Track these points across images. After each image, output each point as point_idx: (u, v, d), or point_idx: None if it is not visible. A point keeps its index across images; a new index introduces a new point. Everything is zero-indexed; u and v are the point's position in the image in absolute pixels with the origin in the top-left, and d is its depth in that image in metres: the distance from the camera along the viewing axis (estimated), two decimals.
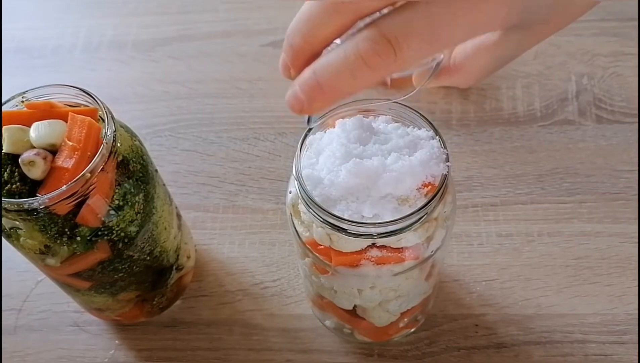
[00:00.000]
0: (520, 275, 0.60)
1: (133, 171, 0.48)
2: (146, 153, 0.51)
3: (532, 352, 0.56)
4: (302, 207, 0.44)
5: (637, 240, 0.61)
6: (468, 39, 0.35)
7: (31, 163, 0.43)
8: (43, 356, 0.59)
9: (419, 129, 0.45)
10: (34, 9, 0.85)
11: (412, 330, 0.57)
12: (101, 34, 0.81)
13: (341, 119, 0.45)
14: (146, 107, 0.74)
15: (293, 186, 0.45)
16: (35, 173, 0.43)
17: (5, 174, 0.44)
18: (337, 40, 0.35)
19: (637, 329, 0.56)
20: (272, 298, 0.61)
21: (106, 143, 0.44)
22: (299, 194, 0.42)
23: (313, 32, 0.34)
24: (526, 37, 0.41)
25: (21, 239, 0.46)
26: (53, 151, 0.44)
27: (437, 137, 0.44)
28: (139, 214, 0.48)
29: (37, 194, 0.43)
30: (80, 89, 0.47)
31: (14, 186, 0.44)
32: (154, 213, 0.50)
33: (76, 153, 0.44)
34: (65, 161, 0.44)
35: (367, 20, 0.34)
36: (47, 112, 0.46)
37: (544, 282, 0.59)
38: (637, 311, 0.57)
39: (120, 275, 0.51)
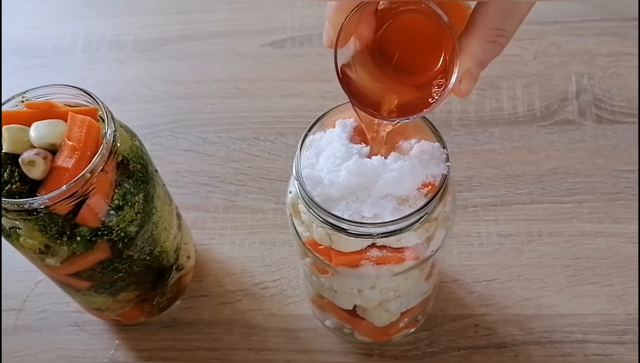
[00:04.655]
0: (520, 275, 0.60)
1: (133, 171, 0.48)
2: (146, 152, 0.51)
3: (532, 352, 0.56)
4: (302, 207, 0.44)
5: (637, 240, 0.61)
6: None
7: (31, 162, 0.43)
8: (43, 356, 0.59)
9: None
10: (34, 9, 0.85)
11: (412, 330, 0.57)
12: (101, 34, 0.81)
13: (341, 120, 0.45)
14: (146, 107, 0.74)
15: (293, 186, 0.44)
16: (35, 172, 0.43)
17: (5, 174, 0.44)
18: None
19: (637, 329, 0.56)
20: (272, 298, 0.61)
21: (106, 143, 0.44)
22: (299, 194, 0.42)
23: None
24: None
25: (21, 239, 0.46)
26: (53, 150, 0.44)
27: (437, 137, 0.44)
28: (138, 214, 0.48)
29: (37, 194, 0.43)
30: (80, 89, 0.47)
31: (14, 186, 0.44)
32: (153, 213, 0.50)
33: (76, 152, 0.44)
34: (65, 160, 0.43)
35: None
36: (47, 112, 0.46)
37: (544, 282, 0.59)
38: (637, 311, 0.57)
39: (120, 275, 0.51)
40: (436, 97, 0.38)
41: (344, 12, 0.37)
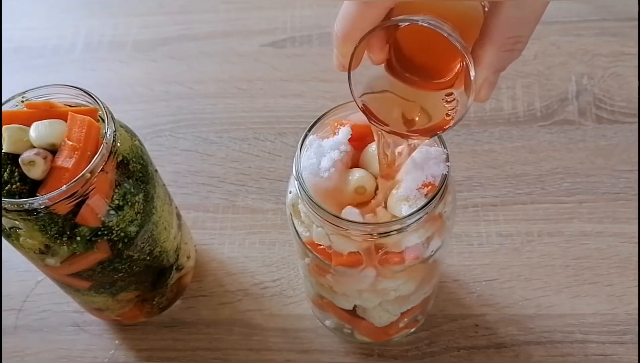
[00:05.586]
0: (520, 275, 0.60)
1: (133, 171, 0.48)
2: (146, 153, 0.51)
3: (532, 352, 0.56)
4: (302, 207, 0.44)
5: (637, 240, 0.61)
6: None
7: (31, 162, 0.43)
8: (43, 356, 0.59)
9: None
10: (34, 9, 0.85)
11: (412, 330, 0.57)
12: (101, 34, 0.81)
13: (343, 127, 0.45)
14: (146, 107, 0.74)
15: (293, 186, 0.45)
16: (35, 172, 0.43)
17: (5, 174, 0.44)
18: None
19: (637, 329, 0.56)
20: (272, 298, 0.61)
21: (106, 143, 0.44)
22: (299, 194, 0.42)
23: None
24: None
25: (21, 239, 0.46)
26: (53, 150, 0.44)
27: (437, 137, 0.44)
28: (138, 214, 0.48)
29: (37, 194, 0.43)
30: (80, 89, 0.47)
31: (14, 186, 0.44)
32: (153, 213, 0.50)
33: (76, 152, 0.44)
34: (65, 160, 0.44)
35: None
36: (47, 112, 0.46)
37: (544, 282, 0.59)
38: (637, 311, 0.57)
39: (120, 275, 0.51)
40: (453, 117, 0.37)
41: (351, 42, 0.35)
